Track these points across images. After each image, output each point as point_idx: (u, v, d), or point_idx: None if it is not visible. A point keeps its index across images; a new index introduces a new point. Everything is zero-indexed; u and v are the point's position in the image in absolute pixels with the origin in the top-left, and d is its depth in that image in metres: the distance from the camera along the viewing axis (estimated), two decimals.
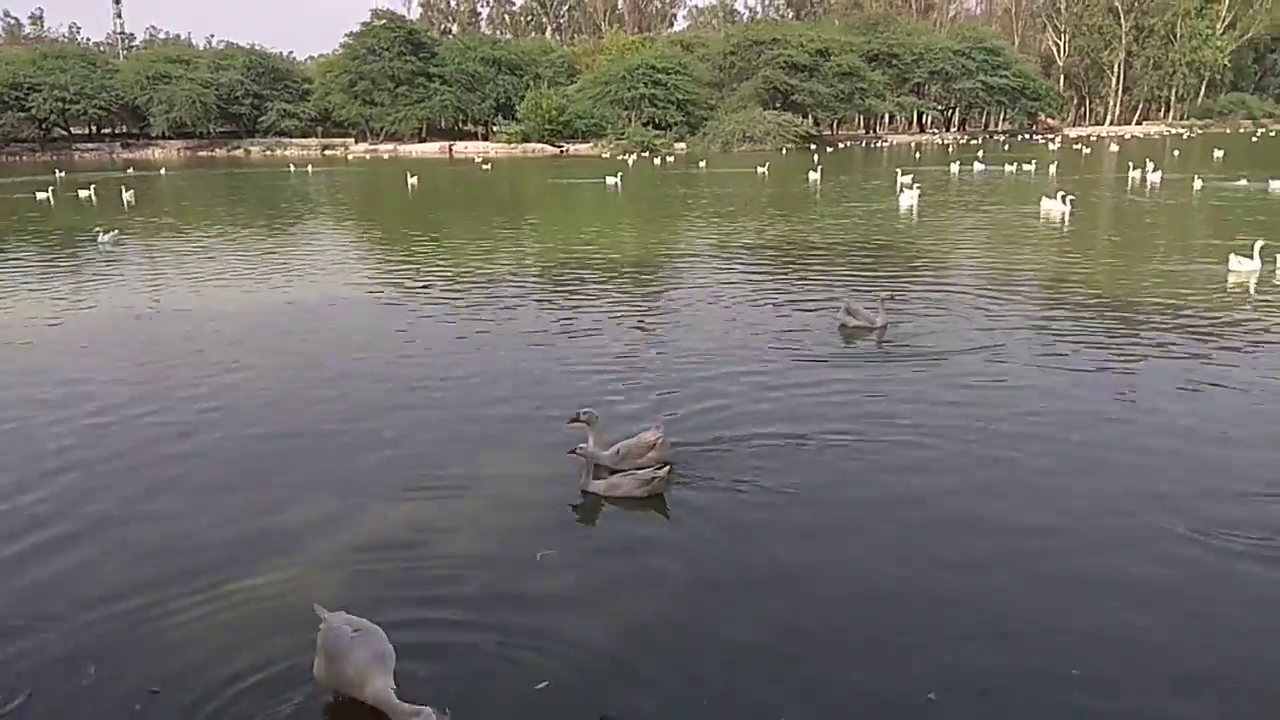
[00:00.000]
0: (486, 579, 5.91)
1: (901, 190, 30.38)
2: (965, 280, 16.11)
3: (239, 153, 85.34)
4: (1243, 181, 34.58)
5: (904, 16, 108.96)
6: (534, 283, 16.69)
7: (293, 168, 60.52)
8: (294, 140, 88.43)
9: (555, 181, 46.39)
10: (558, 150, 78.09)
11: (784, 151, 66.53)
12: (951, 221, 25.23)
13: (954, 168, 45.89)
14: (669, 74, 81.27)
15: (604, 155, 69.66)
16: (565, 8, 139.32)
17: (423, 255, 20.24)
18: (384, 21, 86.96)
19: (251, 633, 5.29)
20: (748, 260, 18.92)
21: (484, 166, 59.39)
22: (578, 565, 6.12)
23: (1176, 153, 58.03)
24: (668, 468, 7.04)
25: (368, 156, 79.53)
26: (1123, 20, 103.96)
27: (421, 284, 16.57)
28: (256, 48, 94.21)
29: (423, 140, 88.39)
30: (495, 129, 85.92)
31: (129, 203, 34.47)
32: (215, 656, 5.06)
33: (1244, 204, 28.43)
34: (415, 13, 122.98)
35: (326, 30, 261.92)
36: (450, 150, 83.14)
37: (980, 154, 53.64)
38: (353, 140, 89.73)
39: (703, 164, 55.35)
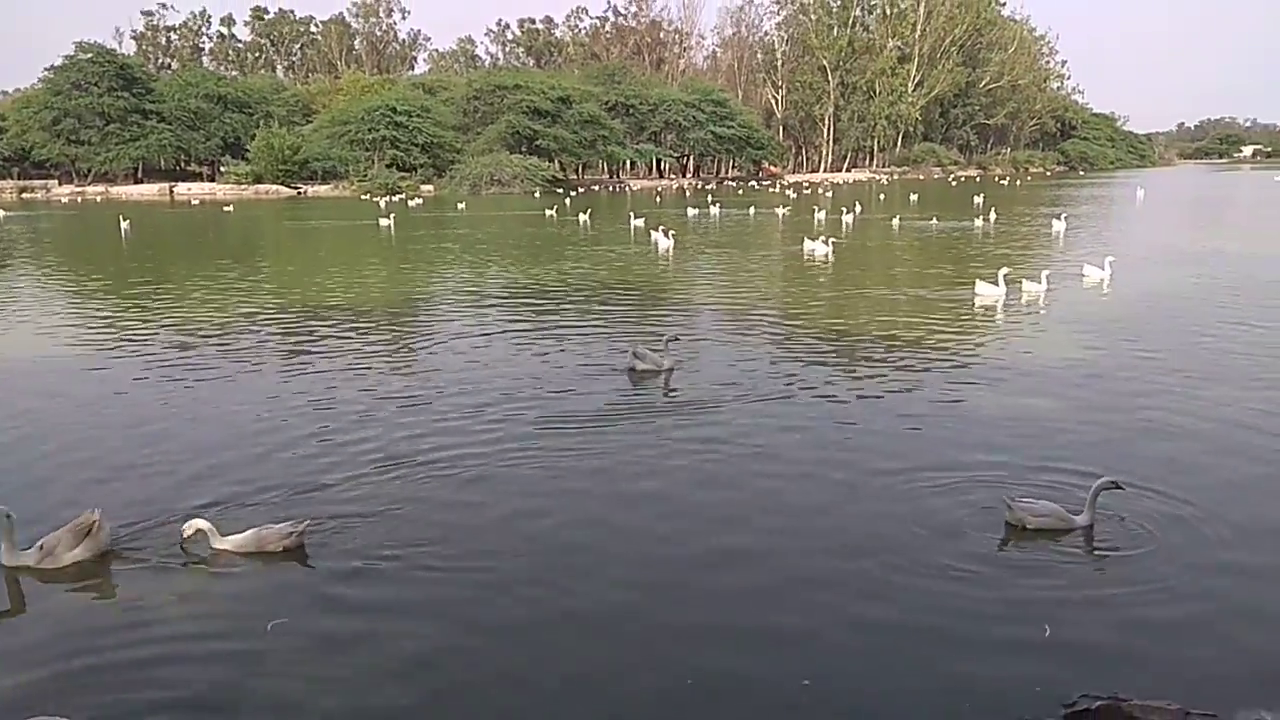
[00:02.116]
0: (216, 653, 5.49)
1: (651, 232, 31.49)
2: (734, 320, 16.50)
3: None
4: (934, 221, 39.08)
5: (638, 69, 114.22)
6: (273, 335, 15.65)
7: None
8: None
9: (314, 224, 44.41)
10: (295, 192, 74.58)
11: (536, 194, 67.40)
12: (708, 262, 26.22)
13: (692, 211, 48.39)
14: (411, 116, 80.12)
15: (362, 197, 67.20)
16: (298, 46, 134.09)
17: (127, 309, 18.39)
18: (90, 55, 79.69)
19: None
20: (519, 301, 18.82)
21: (225, 208, 55.59)
22: (304, 632, 5.83)
23: (882, 196, 64.65)
24: (306, 521, 6.91)
25: (79, 200, 72.01)
26: (830, 77, 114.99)
27: (111, 342, 14.97)
28: None
29: (139, 181, 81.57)
30: (223, 169, 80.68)
31: None
32: None
33: (948, 239, 32.08)
34: (129, 47, 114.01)
35: (21, 63, 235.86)
36: (171, 192, 77.17)
37: (712, 198, 57.01)
38: (56, 181, 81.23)
39: (461, 206, 54.94)
